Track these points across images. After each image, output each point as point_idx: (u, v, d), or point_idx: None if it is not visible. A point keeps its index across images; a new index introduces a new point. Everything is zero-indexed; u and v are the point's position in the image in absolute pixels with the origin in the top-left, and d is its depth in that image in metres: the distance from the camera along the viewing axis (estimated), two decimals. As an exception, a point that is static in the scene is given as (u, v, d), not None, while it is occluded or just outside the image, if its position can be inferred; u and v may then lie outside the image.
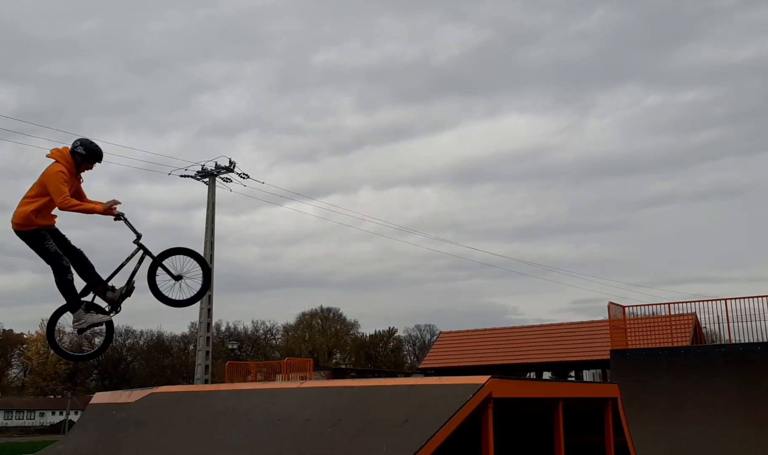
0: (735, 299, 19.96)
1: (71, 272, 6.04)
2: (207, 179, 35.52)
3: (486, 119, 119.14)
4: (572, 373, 38.03)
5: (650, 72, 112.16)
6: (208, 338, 34.00)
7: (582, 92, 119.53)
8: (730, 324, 19.80)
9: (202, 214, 35.55)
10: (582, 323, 35.90)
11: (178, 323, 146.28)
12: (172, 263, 6.12)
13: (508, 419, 6.69)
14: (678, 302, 21.54)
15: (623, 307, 21.68)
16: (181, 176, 35.90)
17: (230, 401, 6.30)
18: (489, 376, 4.92)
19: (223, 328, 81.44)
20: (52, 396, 79.70)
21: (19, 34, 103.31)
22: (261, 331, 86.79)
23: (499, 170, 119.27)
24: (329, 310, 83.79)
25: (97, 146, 6.38)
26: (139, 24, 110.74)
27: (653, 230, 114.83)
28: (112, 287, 6.12)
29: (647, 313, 22.17)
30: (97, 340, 6.92)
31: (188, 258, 6.11)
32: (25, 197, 5.94)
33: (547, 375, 36.57)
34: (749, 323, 19.41)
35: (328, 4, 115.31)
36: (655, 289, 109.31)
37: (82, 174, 6.23)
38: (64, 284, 5.99)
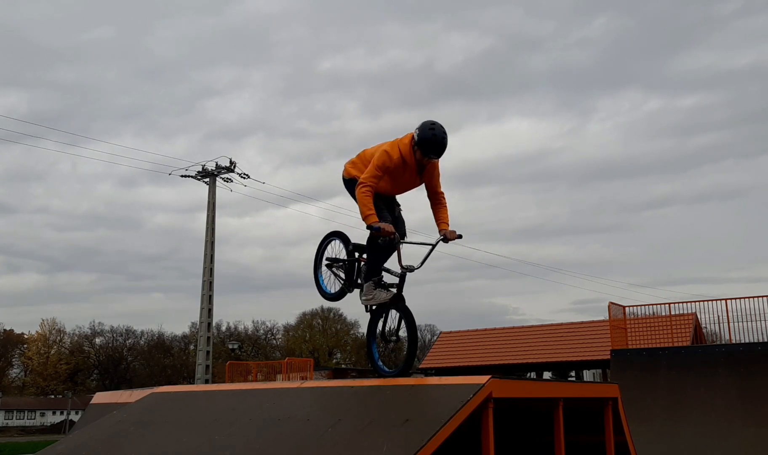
0: (735, 299, 20.00)
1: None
2: (207, 180, 35.56)
3: (489, 123, 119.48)
4: (572, 373, 38.02)
5: (650, 78, 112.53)
6: (208, 338, 34.01)
7: (583, 97, 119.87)
8: (731, 324, 19.82)
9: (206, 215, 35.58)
10: (582, 323, 35.91)
11: (178, 323, 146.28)
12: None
13: (509, 419, 6.69)
14: (678, 303, 21.54)
15: (623, 307, 21.67)
16: (182, 176, 35.97)
17: (230, 401, 6.29)
18: (489, 376, 4.91)
19: (223, 328, 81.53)
20: (52, 396, 79.74)
21: (30, 41, 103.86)
22: (261, 331, 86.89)
23: (501, 173, 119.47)
24: (330, 310, 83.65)
25: (430, 133, 5.40)
26: (148, 31, 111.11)
27: (654, 232, 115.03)
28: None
29: (647, 313, 22.17)
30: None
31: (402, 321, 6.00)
32: None
33: (547, 375, 36.55)
34: (749, 323, 19.44)
35: (334, 12, 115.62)
36: (656, 289, 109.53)
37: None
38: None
